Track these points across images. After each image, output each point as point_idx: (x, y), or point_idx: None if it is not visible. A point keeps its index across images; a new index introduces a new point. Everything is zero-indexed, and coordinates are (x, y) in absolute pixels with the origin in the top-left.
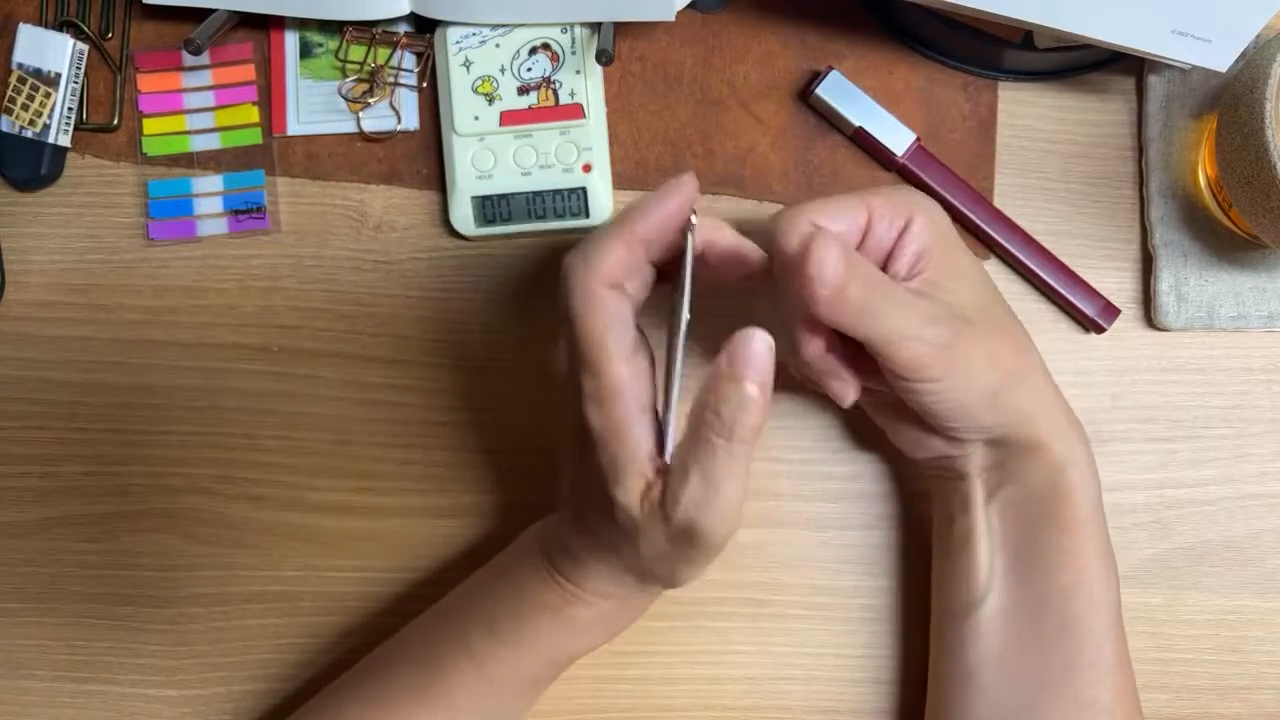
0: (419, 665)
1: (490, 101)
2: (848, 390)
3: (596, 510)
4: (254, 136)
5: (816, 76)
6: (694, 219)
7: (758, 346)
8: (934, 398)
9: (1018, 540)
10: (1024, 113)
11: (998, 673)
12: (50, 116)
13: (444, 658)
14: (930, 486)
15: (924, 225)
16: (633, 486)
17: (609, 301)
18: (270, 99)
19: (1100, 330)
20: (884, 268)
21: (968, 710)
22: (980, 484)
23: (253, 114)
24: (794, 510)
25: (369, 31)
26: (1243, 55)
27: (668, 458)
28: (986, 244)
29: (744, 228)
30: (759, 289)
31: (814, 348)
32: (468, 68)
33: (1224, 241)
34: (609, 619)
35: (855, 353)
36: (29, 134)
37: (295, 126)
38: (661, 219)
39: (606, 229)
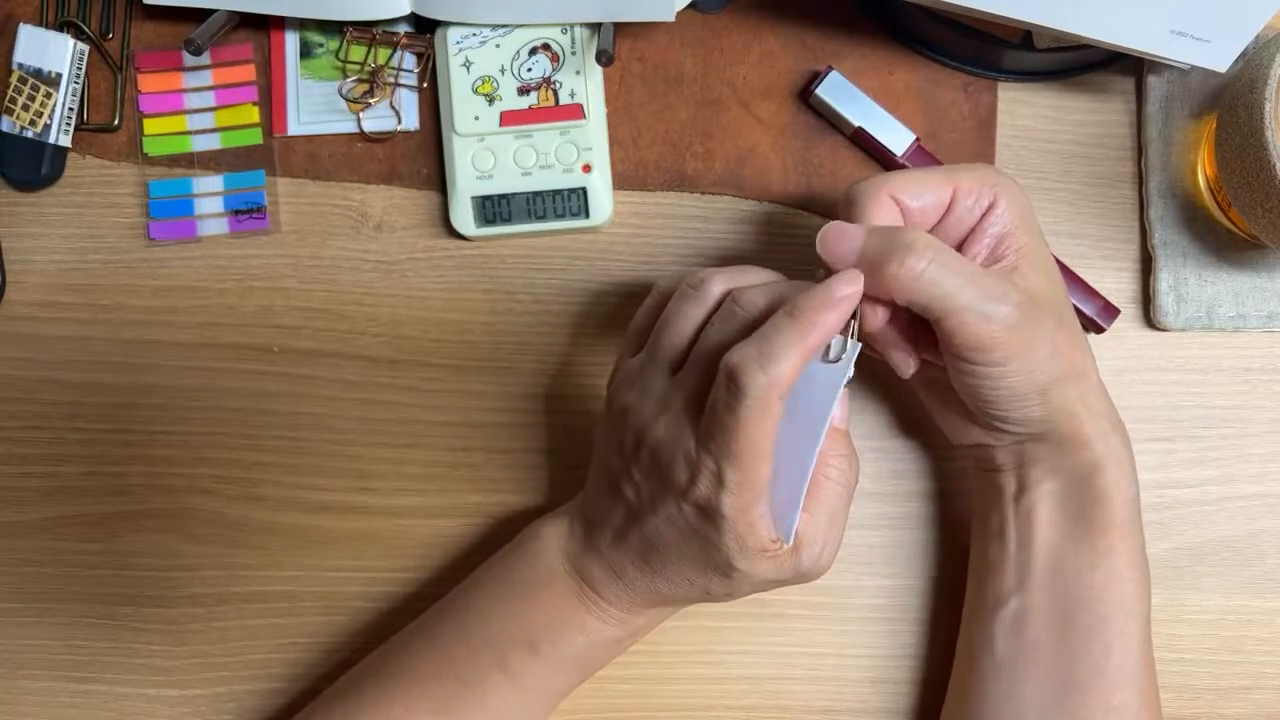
0: (445, 679)
1: (490, 102)
2: (909, 362)
3: (680, 558)
4: (254, 137)
5: (816, 76)
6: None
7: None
8: (992, 382)
9: (1051, 537)
10: (1023, 113)
11: (1025, 668)
12: (51, 117)
13: (473, 672)
14: (972, 476)
15: (1007, 208)
16: (757, 559)
17: (778, 410)
18: (271, 99)
19: (1100, 330)
20: (962, 245)
21: (994, 705)
22: (1015, 478)
23: (253, 114)
24: None
25: (369, 32)
26: (1242, 55)
27: (790, 540)
28: None
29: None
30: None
31: (877, 319)
32: (468, 68)
33: (1223, 241)
34: (640, 632)
35: (914, 327)
36: (30, 134)
37: (296, 127)
38: (837, 328)
39: (783, 334)
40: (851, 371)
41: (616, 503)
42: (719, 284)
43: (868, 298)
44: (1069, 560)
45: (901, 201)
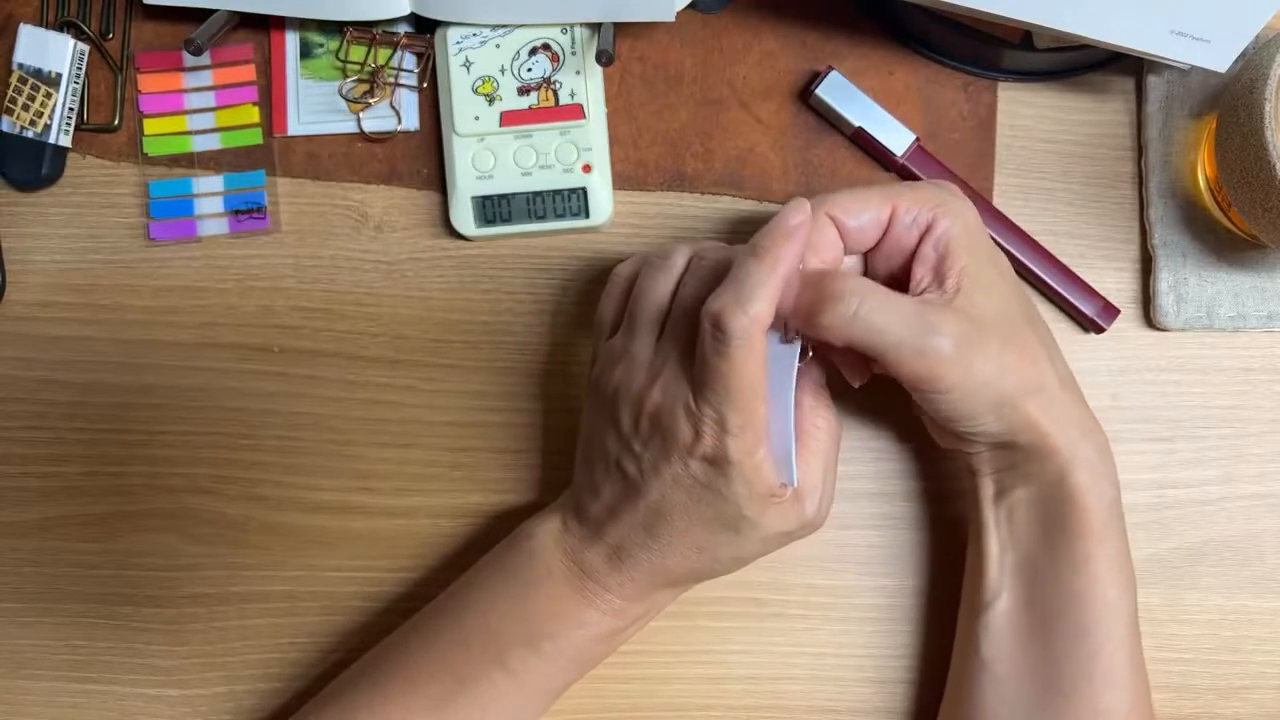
0: (441, 678)
1: (490, 102)
2: (855, 377)
3: (688, 522)
4: (254, 137)
5: (816, 76)
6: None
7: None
8: (941, 405)
9: (1029, 542)
10: (1023, 113)
11: (1012, 671)
12: (51, 117)
13: (471, 671)
14: (962, 477)
15: (948, 228)
16: (765, 506)
17: (762, 346)
18: (271, 99)
19: (1100, 330)
20: (906, 267)
21: (985, 705)
22: (990, 483)
23: (253, 114)
24: None
25: (369, 32)
26: (1242, 55)
27: (794, 481)
28: None
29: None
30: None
31: (823, 346)
32: (468, 68)
33: (1223, 241)
34: (636, 623)
35: None
36: (30, 134)
37: (296, 126)
38: (798, 256)
39: (754, 275)
40: (805, 349)
41: (614, 484)
42: (683, 253)
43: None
44: (1048, 566)
45: (839, 221)
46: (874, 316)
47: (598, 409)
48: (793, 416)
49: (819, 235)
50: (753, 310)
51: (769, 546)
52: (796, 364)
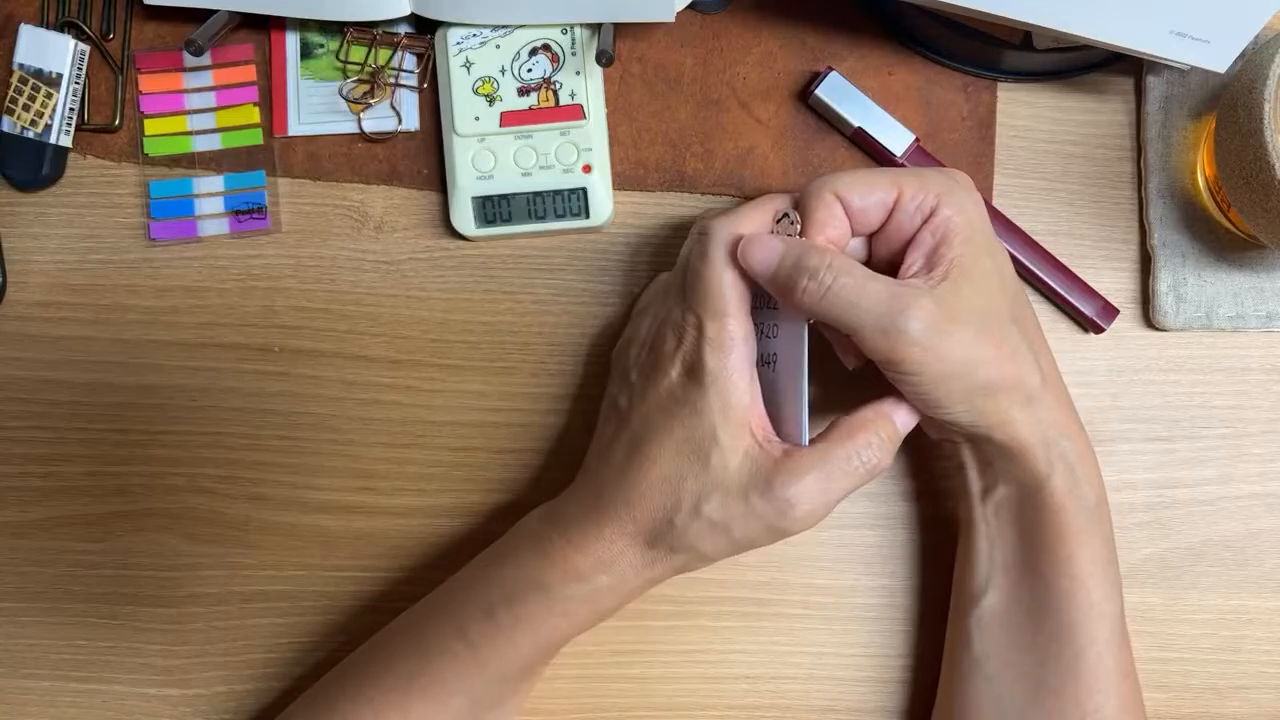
0: (412, 655)
1: (491, 102)
2: (849, 359)
3: (662, 445)
4: (255, 137)
5: (816, 77)
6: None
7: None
8: (907, 383)
9: (1013, 541)
10: (1023, 113)
11: (1001, 668)
12: (51, 117)
13: (438, 644)
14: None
15: (948, 218)
16: (739, 432)
17: (739, 262)
18: (271, 100)
19: (1099, 330)
20: (903, 252)
21: (975, 702)
22: (976, 478)
23: (254, 114)
24: None
25: (370, 32)
26: (1241, 55)
27: (805, 440)
28: None
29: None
30: None
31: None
32: (468, 68)
33: (1222, 242)
34: (598, 598)
35: None
36: (30, 134)
37: (296, 127)
38: (788, 204)
39: (744, 207)
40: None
41: (610, 424)
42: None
43: None
44: (1030, 566)
45: (845, 200)
46: (846, 293)
47: (616, 370)
48: (802, 385)
49: (824, 212)
50: (735, 224)
51: (734, 513)
52: (804, 331)
